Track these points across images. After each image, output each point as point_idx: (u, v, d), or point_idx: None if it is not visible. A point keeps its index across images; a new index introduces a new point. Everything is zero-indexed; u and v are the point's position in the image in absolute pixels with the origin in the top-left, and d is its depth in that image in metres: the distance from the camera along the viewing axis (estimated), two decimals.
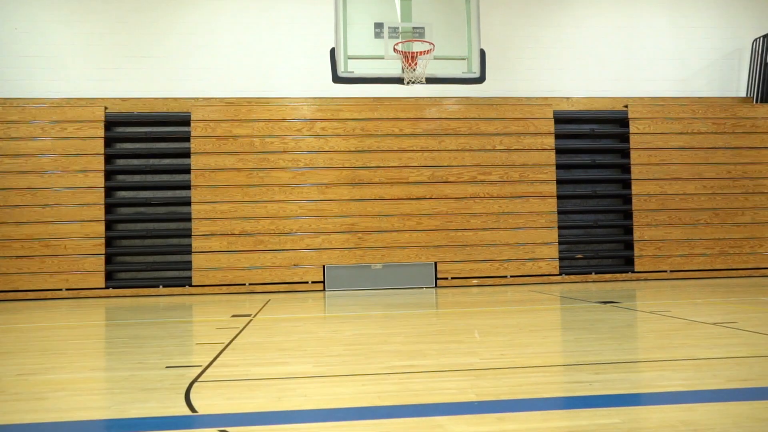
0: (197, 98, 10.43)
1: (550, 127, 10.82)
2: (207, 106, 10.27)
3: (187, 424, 2.46)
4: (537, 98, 10.97)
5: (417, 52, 7.53)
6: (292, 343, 4.58)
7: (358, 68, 7.60)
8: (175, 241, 10.40)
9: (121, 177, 10.42)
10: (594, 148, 11.15)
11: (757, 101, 11.48)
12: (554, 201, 10.74)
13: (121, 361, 3.96)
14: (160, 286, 10.10)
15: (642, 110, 11.01)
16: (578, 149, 11.13)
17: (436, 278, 10.41)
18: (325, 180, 10.38)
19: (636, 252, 10.83)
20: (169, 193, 10.47)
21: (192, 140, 10.20)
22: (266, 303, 8.05)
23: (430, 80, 7.69)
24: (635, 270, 10.81)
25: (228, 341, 4.56)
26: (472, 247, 10.51)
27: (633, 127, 10.96)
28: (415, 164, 10.52)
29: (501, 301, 7.62)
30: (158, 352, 4.26)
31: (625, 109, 11.11)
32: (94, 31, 10.55)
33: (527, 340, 4.41)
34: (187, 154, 10.35)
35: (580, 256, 10.94)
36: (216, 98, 10.42)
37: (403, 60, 7.56)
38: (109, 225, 10.18)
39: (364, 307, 7.25)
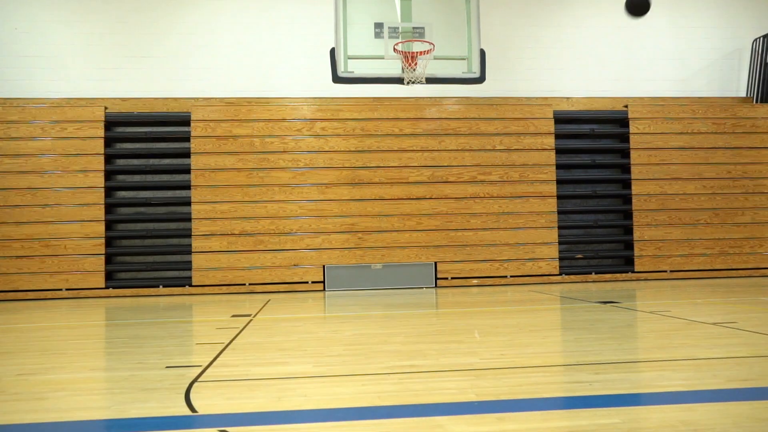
0: (197, 98, 10.43)
1: (550, 127, 10.82)
2: (207, 106, 10.27)
3: (187, 424, 2.46)
4: (537, 98, 10.97)
5: (417, 52, 7.53)
6: (292, 343, 4.58)
7: (358, 68, 7.60)
8: (175, 241, 10.40)
9: (121, 177, 10.42)
10: (594, 148, 11.15)
11: (757, 101, 11.48)
12: (554, 201, 10.74)
13: (121, 361, 3.96)
14: (160, 286, 10.10)
15: (642, 110, 11.01)
16: (578, 149, 11.13)
17: (436, 278, 10.41)
18: (325, 180, 10.38)
19: (636, 252, 10.83)
20: (169, 193, 10.47)
21: (192, 140, 10.20)
22: (266, 303, 8.05)
23: (430, 80, 7.69)
24: (635, 270, 10.81)
25: (228, 341, 4.56)
26: (472, 247, 10.51)
27: (633, 127, 10.96)
28: (415, 164, 10.52)
29: (501, 301, 7.62)
30: (158, 352, 4.26)
31: (625, 109, 11.11)
32: (94, 31, 10.55)
33: (527, 340, 4.41)
34: (187, 154, 10.35)
35: (580, 256, 10.94)
36: (216, 98, 10.42)
37: (403, 60, 7.56)
38: (109, 225, 10.18)
39: (364, 307, 7.25)
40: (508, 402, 2.63)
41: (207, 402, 2.73)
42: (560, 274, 10.67)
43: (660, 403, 2.61)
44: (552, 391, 2.92)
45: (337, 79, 7.56)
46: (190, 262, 10.17)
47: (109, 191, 10.25)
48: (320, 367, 3.54)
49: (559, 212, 10.82)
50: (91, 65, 10.51)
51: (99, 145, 10.11)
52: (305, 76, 10.68)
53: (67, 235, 9.93)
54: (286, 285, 10.21)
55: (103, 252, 10.00)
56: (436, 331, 5.04)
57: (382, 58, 7.56)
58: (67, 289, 9.87)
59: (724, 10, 11.78)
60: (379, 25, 7.45)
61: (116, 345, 4.86)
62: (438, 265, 10.44)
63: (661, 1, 11.64)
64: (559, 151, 10.94)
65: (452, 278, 10.45)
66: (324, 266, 10.26)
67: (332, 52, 7.53)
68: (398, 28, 7.51)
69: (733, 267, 10.99)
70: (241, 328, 5.33)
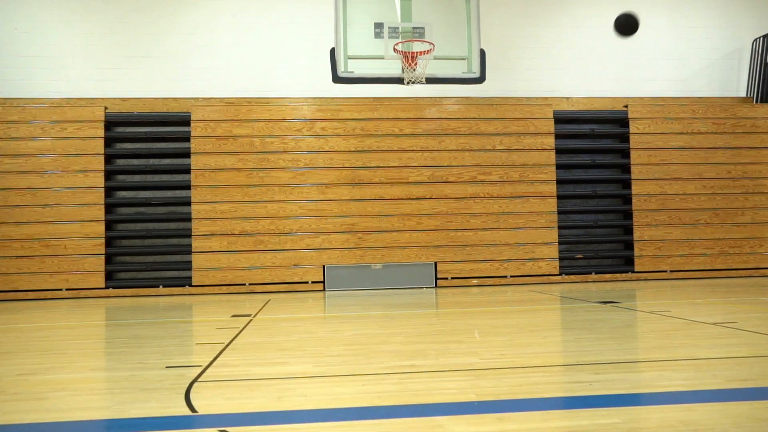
0: (197, 98, 10.43)
1: (550, 127, 10.82)
2: (207, 106, 10.27)
3: (187, 424, 2.46)
4: (537, 98, 10.97)
5: (417, 52, 7.53)
6: (292, 343, 4.58)
7: (358, 68, 7.60)
8: (175, 241, 10.40)
9: (121, 177, 10.42)
10: (594, 148, 11.15)
11: (757, 101, 11.48)
12: (554, 201, 10.74)
13: (121, 361, 3.96)
14: (160, 286, 10.10)
15: (642, 110, 11.01)
16: (578, 149, 11.13)
17: (436, 278, 10.41)
18: (325, 180, 10.38)
19: (636, 252, 10.83)
20: (169, 193, 10.47)
21: (192, 140, 10.20)
22: (266, 303, 8.05)
23: (430, 80, 7.69)
24: (635, 270, 10.81)
25: (228, 341, 4.56)
26: (472, 247, 10.51)
27: (633, 127, 10.96)
28: (415, 164, 10.52)
29: (501, 301, 7.62)
30: (158, 352, 4.26)
31: (625, 109, 11.11)
32: (94, 31, 10.55)
33: (527, 340, 4.41)
34: (187, 154, 10.35)
35: (580, 256, 10.94)
36: (216, 98, 10.42)
37: (403, 60, 7.56)
38: (109, 225, 10.18)
39: (364, 307, 7.25)
40: (508, 402, 2.63)
41: (207, 402, 2.73)
42: (560, 274, 10.67)
43: (660, 403, 2.61)
44: (552, 391, 2.92)
45: (337, 79, 7.56)
46: (190, 262, 10.17)
47: (109, 191, 10.25)
48: (320, 367, 3.54)
49: (559, 212, 10.82)
50: (91, 65, 10.51)
51: (99, 145, 10.11)
52: (305, 76, 10.68)
53: (67, 235, 9.94)
54: (286, 285, 10.21)
55: (103, 252, 10.00)
56: (436, 331, 5.04)
57: (382, 58, 7.56)
58: (67, 289, 9.88)
59: (724, 10, 11.78)
60: (379, 25, 7.45)
61: (116, 345, 4.86)
62: (438, 265, 10.44)
63: (661, 1, 11.64)
64: (559, 151, 10.94)
65: (452, 278, 10.45)
66: (324, 266, 10.26)
67: (332, 52, 7.53)
68: (398, 28, 7.51)
69: (733, 267, 10.99)
70: (241, 328, 5.33)
